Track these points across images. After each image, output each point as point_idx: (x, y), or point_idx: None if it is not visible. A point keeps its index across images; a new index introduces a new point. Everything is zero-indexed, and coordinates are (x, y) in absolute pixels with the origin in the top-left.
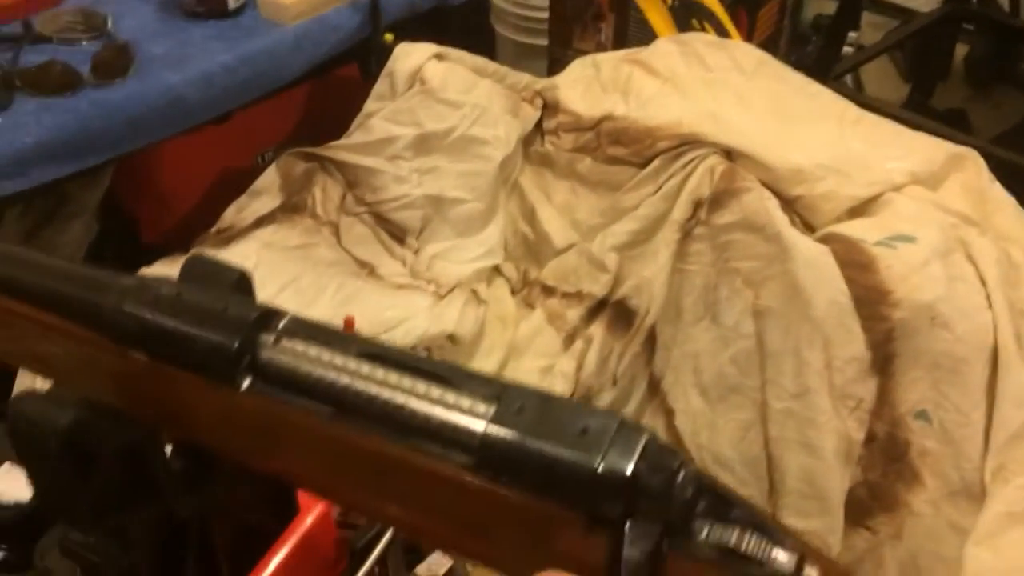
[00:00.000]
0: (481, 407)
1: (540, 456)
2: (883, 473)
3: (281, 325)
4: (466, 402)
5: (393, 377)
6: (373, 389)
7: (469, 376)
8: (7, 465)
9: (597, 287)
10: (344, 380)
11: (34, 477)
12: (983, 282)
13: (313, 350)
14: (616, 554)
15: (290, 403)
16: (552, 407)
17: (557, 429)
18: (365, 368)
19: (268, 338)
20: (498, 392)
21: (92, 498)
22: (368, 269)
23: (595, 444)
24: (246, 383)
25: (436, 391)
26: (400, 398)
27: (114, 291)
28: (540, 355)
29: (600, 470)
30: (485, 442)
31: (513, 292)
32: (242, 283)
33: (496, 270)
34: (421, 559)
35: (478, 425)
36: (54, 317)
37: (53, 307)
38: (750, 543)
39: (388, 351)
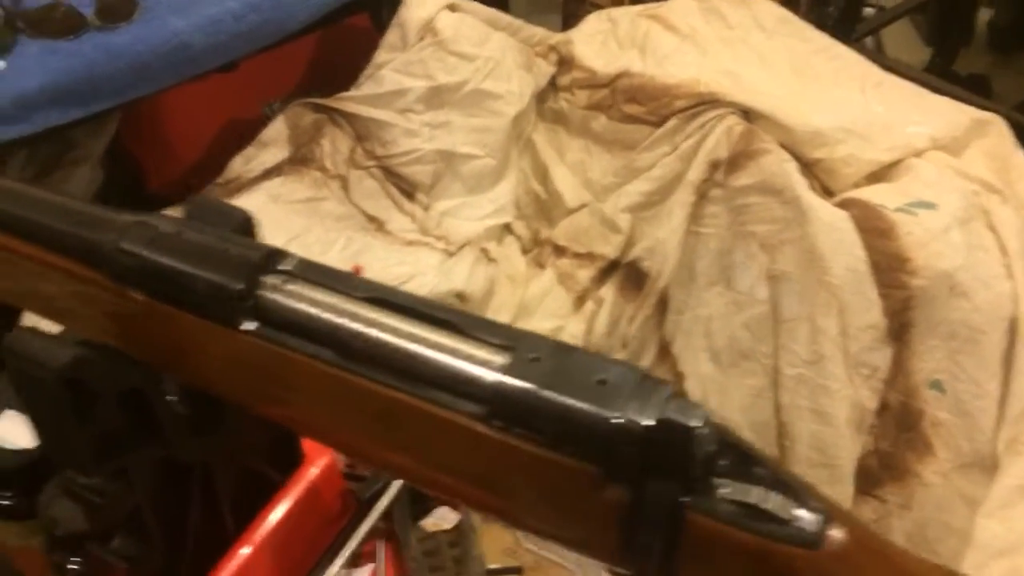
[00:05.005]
0: (494, 356)
1: (555, 407)
2: (894, 442)
3: (287, 267)
4: (479, 350)
5: (403, 323)
6: (382, 335)
7: (482, 324)
8: (9, 412)
9: (609, 248)
10: (352, 325)
11: (33, 416)
12: (1004, 251)
13: (320, 293)
14: (632, 510)
15: (295, 347)
16: (569, 357)
17: (574, 380)
18: (373, 313)
19: (273, 280)
20: (513, 341)
21: (93, 439)
22: (377, 224)
23: (613, 396)
24: (249, 326)
25: (447, 338)
26: (410, 345)
27: (113, 228)
28: (550, 316)
29: (617, 423)
30: (498, 392)
31: (524, 251)
32: (246, 226)
33: (507, 228)
34: (428, 512)
35: (491, 374)
36: (52, 255)
37: (51, 244)
38: (772, 501)
39: (397, 295)
